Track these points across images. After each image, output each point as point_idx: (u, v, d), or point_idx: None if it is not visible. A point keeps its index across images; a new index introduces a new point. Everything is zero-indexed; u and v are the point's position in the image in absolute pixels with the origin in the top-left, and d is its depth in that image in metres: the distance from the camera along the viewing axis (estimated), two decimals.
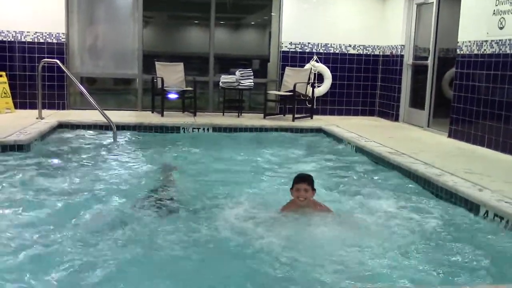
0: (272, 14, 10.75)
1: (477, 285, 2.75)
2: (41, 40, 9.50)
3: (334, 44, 10.40)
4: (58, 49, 9.55)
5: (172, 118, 8.96)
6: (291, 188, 4.08)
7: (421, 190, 5.11)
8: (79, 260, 3.20)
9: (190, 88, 9.57)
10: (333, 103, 10.57)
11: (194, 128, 8.45)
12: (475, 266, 3.32)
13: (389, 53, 10.26)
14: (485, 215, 4.18)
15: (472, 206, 4.37)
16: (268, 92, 9.85)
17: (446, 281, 3.07)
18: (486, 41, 7.19)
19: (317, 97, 10.12)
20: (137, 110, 10.07)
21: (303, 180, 4.03)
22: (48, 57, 9.00)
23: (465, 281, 3.06)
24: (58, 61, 8.25)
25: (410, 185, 5.31)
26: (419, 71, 9.54)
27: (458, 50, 7.84)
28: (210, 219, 4.02)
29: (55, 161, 6.03)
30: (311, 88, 9.73)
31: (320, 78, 10.28)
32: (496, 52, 7.00)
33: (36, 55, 9.40)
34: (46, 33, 9.50)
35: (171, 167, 5.62)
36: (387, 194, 4.96)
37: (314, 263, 3.28)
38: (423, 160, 5.86)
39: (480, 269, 3.27)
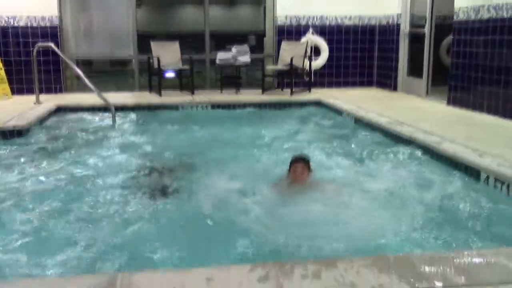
0: None
1: (477, 249, 2.78)
2: (34, 24, 9.41)
3: (329, 16, 10.30)
4: (52, 33, 9.46)
5: (170, 97, 8.93)
6: (288, 170, 4.11)
7: (421, 159, 5.12)
8: (81, 239, 3.24)
9: (186, 67, 9.51)
10: (330, 76, 10.52)
11: (193, 106, 8.44)
12: (476, 231, 3.36)
13: (385, 23, 10.17)
14: (486, 180, 4.20)
15: (472, 172, 4.39)
16: (265, 67, 9.79)
17: (447, 246, 3.11)
18: (483, 6, 7.11)
19: (314, 70, 10.07)
20: (134, 91, 10.03)
21: (299, 161, 4.07)
22: (42, 41, 8.93)
23: (465, 246, 3.10)
24: (52, 45, 8.18)
25: (410, 154, 5.32)
26: (416, 40, 9.46)
27: (455, 17, 7.76)
28: (208, 196, 4.05)
29: (55, 144, 6.03)
30: (308, 61, 9.68)
31: (317, 51, 10.21)
32: (493, 17, 6.93)
33: (30, 39, 9.32)
34: (39, 16, 9.40)
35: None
36: (387, 164, 4.99)
37: (306, 232, 3.32)
38: (423, 128, 5.86)
39: (480, 233, 3.31)
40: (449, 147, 4.93)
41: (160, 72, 9.17)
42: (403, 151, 5.42)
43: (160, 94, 9.13)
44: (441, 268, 2.38)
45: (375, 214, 3.66)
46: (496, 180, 4.10)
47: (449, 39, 8.30)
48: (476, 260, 2.48)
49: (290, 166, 4.09)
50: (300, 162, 4.05)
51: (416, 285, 2.22)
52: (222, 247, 3.11)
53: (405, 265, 2.41)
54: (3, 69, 9.05)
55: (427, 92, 8.98)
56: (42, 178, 4.62)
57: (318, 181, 4.18)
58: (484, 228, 3.41)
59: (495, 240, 3.22)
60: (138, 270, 2.47)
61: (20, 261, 2.93)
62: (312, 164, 4.23)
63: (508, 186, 3.96)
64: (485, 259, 2.49)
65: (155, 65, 9.13)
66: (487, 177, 4.19)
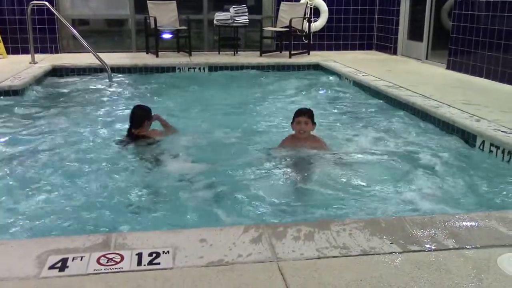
0: None
1: (468, 213, 2.80)
2: None
3: None
4: None
5: (167, 59, 8.83)
6: (292, 123, 4.13)
7: (419, 123, 5.12)
8: (73, 199, 3.27)
9: (184, 27, 9.38)
10: (330, 38, 10.39)
11: (190, 68, 8.36)
12: (472, 194, 3.39)
13: None
14: (482, 145, 4.20)
15: (469, 136, 4.39)
16: (264, 28, 9.65)
17: (442, 210, 3.13)
18: None
19: (313, 32, 9.95)
20: (131, 52, 9.92)
21: (303, 113, 4.10)
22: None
23: (461, 209, 3.12)
24: (47, 3, 8.02)
25: (407, 118, 5.31)
26: (417, 2, 9.30)
27: None
28: (205, 159, 4.05)
29: (50, 104, 6.00)
30: (308, 23, 9.54)
31: (316, 12, 10.06)
32: None
33: None
34: None
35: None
36: (385, 128, 5.00)
37: (310, 197, 3.34)
38: (421, 92, 5.83)
39: (476, 196, 3.34)
40: (446, 112, 4.91)
41: (157, 32, 9.04)
42: (401, 115, 5.42)
43: (157, 55, 9.03)
44: (432, 231, 2.40)
45: (367, 178, 3.68)
46: (491, 145, 4.10)
47: (450, 1, 8.15)
48: (467, 223, 2.50)
49: (293, 119, 4.11)
50: (304, 115, 4.07)
51: (408, 247, 2.25)
52: (216, 211, 3.12)
53: (396, 227, 2.43)
54: None
55: (427, 56, 8.89)
56: (37, 137, 4.62)
57: (320, 139, 4.19)
58: (477, 192, 3.43)
59: (488, 203, 3.25)
60: (132, 230, 2.48)
61: (12, 221, 2.95)
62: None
63: (503, 151, 3.96)
64: (476, 223, 2.51)
65: (152, 26, 8.99)
66: (483, 142, 4.20)
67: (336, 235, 2.35)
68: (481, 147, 4.21)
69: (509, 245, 2.29)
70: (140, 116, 4.36)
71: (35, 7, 8.41)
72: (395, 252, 2.21)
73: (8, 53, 9.08)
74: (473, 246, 2.27)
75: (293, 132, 4.15)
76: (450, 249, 2.25)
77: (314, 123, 4.12)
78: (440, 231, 2.39)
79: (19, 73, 7.09)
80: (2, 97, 6.16)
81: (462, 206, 3.21)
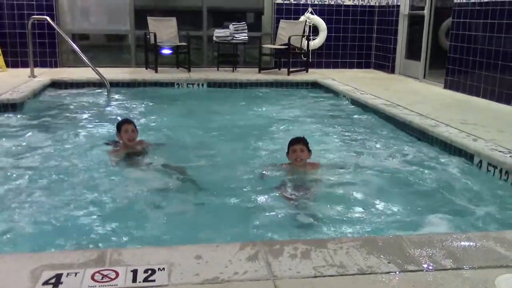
0: None
1: (466, 232, 2.80)
2: None
3: None
4: (48, 6, 9.33)
5: (166, 74, 8.86)
6: (287, 153, 4.05)
7: (416, 141, 5.13)
8: (70, 214, 3.26)
9: (183, 43, 9.43)
10: (328, 56, 10.46)
11: (189, 84, 8.39)
12: (469, 213, 3.38)
13: (384, 4, 10.07)
14: (479, 164, 4.21)
15: (466, 155, 4.40)
16: (263, 45, 9.72)
17: (440, 228, 3.11)
18: None
19: (312, 50, 10.01)
20: (130, 67, 9.95)
21: (298, 141, 4.03)
22: (37, 14, 8.82)
23: (457, 229, 3.11)
24: (47, 18, 8.07)
25: (405, 137, 5.32)
26: (415, 22, 9.39)
27: None
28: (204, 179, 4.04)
29: (49, 119, 6.00)
30: (306, 41, 9.60)
31: (315, 30, 10.13)
32: (493, 0, 6.87)
33: (26, 11, 9.20)
34: None
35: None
36: (382, 146, 5.01)
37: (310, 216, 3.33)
38: (419, 111, 5.85)
39: (473, 216, 3.33)
40: (443, 131, 4.93)
41: (156, 48, 9.09)
42: (399, 134, 5.43)
43: (156, 71, 9.07)
44: (429, 250, 2.39)
45: (370, 194, 3.67)
46: (489, 164, 4.10)
47: (448, 21, 8.23)
48: (465, 243, 2.49)
49: (288, 148, 4.05)
50: (299, 142, 4.01)
51: (405, 267, 2.23)
52: (212, 228, 3.11)
53: (394, 246, 2.42)
54: None
55: (424, 75, 8.94)
56: (34, 151, 4.60)
57: (317, 163, 4.17)
58: (475, 211, 3.42)
59: (486, 223, 3.24)
60: (127, 246, 2.46)
61: (8, 235, 2.93)
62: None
63: (501, 170, 3.96)
64: (473, 243, 2.50)
65: (152, 41, 9.04)
66: (480, 161, 4.20)
67: (333, 253, 2.33)
68: (478, 167, 4.21)
69: (507, 266, 2.27)
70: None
71: (35, 21, 8.45)
72: (393, 272, 2.20)
73: (7, 66, 9.11)
74: (470, 266, 2.26)
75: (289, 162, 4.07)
76: (447, 269, 2.23)
77: (309, 151, 4.05)
78: (437, 251, 2.38)
79: (18, 87, 7.10)
80: (0, 111, 6.15)
81: (460, 225, 3.19)
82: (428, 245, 2.44)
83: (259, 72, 9.41)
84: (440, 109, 6.11)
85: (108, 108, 6.78)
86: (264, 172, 4.09)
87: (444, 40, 8.68)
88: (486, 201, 3.58)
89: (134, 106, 6.99)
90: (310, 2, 10.12)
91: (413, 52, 9.43)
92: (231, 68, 9.67)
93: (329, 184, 3.90)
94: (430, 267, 2.24)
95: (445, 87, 7.91)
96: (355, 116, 6.42)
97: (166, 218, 3.26)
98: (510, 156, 4.06)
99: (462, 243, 2.50)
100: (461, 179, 4.03)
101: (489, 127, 5.17)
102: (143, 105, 7.04)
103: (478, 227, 3.17)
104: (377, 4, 10.36)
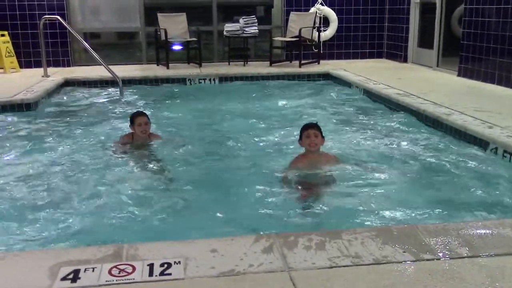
0: None
1: (482, 220, 2.77)
2: None
3: None
4: (59, 5, 9.39)
5: (177, 70, 8.89)
6: (300, 140, 3.93)
7: (431, 130, 5.09)
8: (86, 210, 3.29)
9: (194, 39, 9.44)
10: (339, 47, 10.39)
11: (200, 79, 8.40)
12: (483, 201, 3.35)
13: None
14: (495, 151, 4.16)
15: (481, 143, 4.35)
16: (274, 38, 9.68)
17: (456, 217, 3.09)
18: None
19: (323, 41, 9.96)
20: (142, 64, 9.99)
21: (312, 126, 3.92)
22: (49, 14, 8.88)
23: (474, 217, 3.09)
24: (59, 17, 8.13)
25: (419, 126, 5.28)
26: (427, 10, 9.28)
27: None
28: (216, 173, 4.05)
29: (62, 118, 6.05)
30: (317, 33, 9.55)
31: (325, 21, 10.07)
32: None
33: (37, 12, 9.27)
34: None
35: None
36: (397, 136, 4.98)
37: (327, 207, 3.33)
38: (432, 100, 5.79)
39: (489, 203, 3.30)
40: (457, 119, 4.88)
41: (167, 44, 9.11)
42: (413, 123, 5.38)
43: (167, 67, 9.09)
44: (445, 239, 2.37)
45: (385, 184, 3.66)
46: (504, 151, 4.06)
47: (461, 9, 8.13)
48: (481, 231, 2.47)
49: (301, 135, 3.92)
50: (313, 128, 3.90)
51: (421, 256, 2.22)
52: (226, 223, 3.12)
53: (409, 236, 2.41)
54: (10, 42, 9.03)
55: (437, 64, 8.85)
56: (49, 149, 4.65)
57: (330, 154, 4.13)
58: (491, 198, 3.39)
59: (503, 211, 3.21)
60: (144, 241, 2.48)
61: (26, 232, 2.97)
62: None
63: None
64: (490, 230, 2.48)
65: (162, 37, 9.06)
66: (496, 148, 4.15)
67: (348, 244, 2.33)
68: (494, 153, 4.17)
69: None
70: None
71: (47, 21, 8.52)
72: (408, 261, 2.19)
73: (21, 67, 9.19)
74: (487, 254, 2.24)
75: (302, 152, 3.97)
76: (463, 257, 2.22)
77: (323, 137, 3.93)
78: (453, 239, 2.37)
79: (31, 87, 7.17)
80: (15, 111, 6.22)
81: (476, 213, 3.17)
82: (444, 233, 2.43)
83: (271, 65, 9.38)
84: (454, 97, 6.05)
85: (121, 105, 6.82)
86: (283, 175, 3.93)
87: (457, 27, 8.57)
88: (502, 188, 3.54)
89: (147, 102, 7.03)
90: None
91: (425, 40, 9.33)
92: (242, 62, 9.66)
93: (343, 176, 3.87)
94: (446, 256, 2.22)
95: (458, 75, 7.82)
96: (368, 106, 6.39)
97: (176, 212, 3.28)
98: None
99: (478, 231, 2.48)
100: (476, 167, 4.00)
101: (505, 114, 5.11)
102: (156, 101, 7.07)
103: (494, 214, 3.14)
104: None
